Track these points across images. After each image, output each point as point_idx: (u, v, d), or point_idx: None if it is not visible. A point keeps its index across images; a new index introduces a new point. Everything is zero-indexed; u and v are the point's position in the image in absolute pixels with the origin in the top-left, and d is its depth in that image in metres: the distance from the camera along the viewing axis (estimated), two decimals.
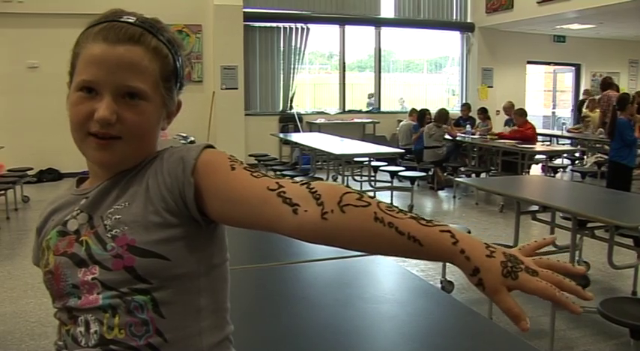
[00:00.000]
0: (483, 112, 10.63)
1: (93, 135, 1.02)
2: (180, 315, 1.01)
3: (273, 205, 0.91)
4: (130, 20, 1.04)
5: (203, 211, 0.99)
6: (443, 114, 9.57)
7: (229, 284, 1.12)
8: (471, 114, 11.12)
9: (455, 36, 13.44)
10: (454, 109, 11.97)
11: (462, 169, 9.83)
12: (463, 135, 9.93)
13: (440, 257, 0.86)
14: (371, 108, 12.94)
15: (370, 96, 13.19)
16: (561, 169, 10.49)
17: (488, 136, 9.58)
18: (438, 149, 9.37)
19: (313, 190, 0.91)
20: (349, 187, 0.92)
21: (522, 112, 9.47)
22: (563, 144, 11.07)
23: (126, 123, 1.01)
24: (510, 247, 0.90)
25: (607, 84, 10.66)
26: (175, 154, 1.02)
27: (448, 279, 4.71)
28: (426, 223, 0.86)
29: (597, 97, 10.85)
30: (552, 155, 9.79)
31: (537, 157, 9.22)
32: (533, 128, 9.38)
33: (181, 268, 1.00)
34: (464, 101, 12.84)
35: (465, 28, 13.15)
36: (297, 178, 0.98)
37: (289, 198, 0.91)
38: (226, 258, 1.11)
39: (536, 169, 10.05)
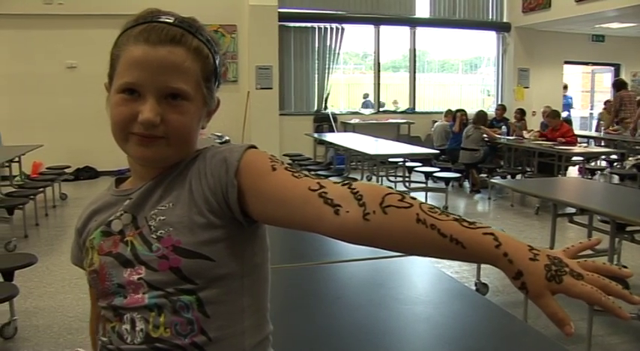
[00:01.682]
0: (521, 112, 10.51)
1: (135, 134, 1.03)
2: (225, 314, 1.02)
3: (315, 206, 0.92)
4: (169, 20, 1.04)
5: (245, 212, 1.00)
6: (481, 116, 9.48)
7: (270, 284, 1.13)
8: (505, 115, 10.99)
9: (491, 36, 13.31)
10: (489, 110, 11.83)
11: (498, 170, 9.73)
12: (498, 136, 9.83)
13: (482, 260, 0.85)
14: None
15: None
16: (599, 172, 10.32)
17: (530, 136, 9.42)
18: (475, 152, 9.28)
19: (355, 191, 0.90)
20: (391, 188, 0.92)
21: (556, 114, 9.40)
22: (601, 145, 10.90)
23: (169, 124, 1.02)
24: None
25: (620, 84, 10.72)
26: (218, 155, 1.03)
27: (483, 281, 4.67)
28: (468, 225, 0.85)
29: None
30: (590, 157, 9.64)
31: (574, 158, 9.09)
32: (571, 130, 9.27)
33: (225, 269, 1.01)
34: (499, 102, 12.70)
35: (501, 27, 13.00)
36: (336, 179, 0.99)
37: (331, 199, 0.91)
38: (267, 257, 1.11)
39: (573, 171, 9.90)
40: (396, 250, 0.90)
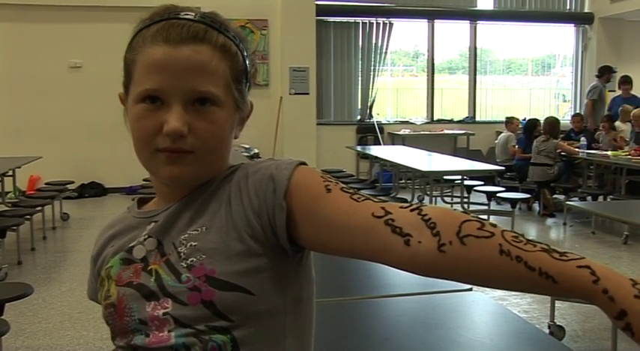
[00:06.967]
0: (608, 120, 10.25)
1: (162, 151, 1.04)
2: None
3: (381, 235, 0.93)
4: (189, 16, 1.06)
5: (292, 238, 1.01)
6: (553, 124, 9.33)
7: (314, 322, 1.13)
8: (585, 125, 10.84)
9: (568, 30, 13.20)
10: (565, 119, 11.68)
11: (578, 190, 9.56)
12: (577, 150, 9.67)
13: (577, 296, 0.85)
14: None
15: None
16: None
17: (620, 153, 9.18)
18: (548, 168, 9.15)
19: (426, 218, 0.91)
20: (467, 214, 0.92)
21: None
22: None
23: (198, 134, 1.03)
24: None
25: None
26: (262, 171, 1.04)
27: (558, 323, 4.60)
28: (559, 257, 0.85)
29: None
30: None
31: None
32: None
33: (266, 304, 1.02)
34: (578, 109, 12.54)
35: (581, 19, 12.86)
36: (402, 203, 0.99)
37: (399, 227, 0.92)
38: (313, 292, 1.12)
39: None
40: (475, 283, 0.92)
